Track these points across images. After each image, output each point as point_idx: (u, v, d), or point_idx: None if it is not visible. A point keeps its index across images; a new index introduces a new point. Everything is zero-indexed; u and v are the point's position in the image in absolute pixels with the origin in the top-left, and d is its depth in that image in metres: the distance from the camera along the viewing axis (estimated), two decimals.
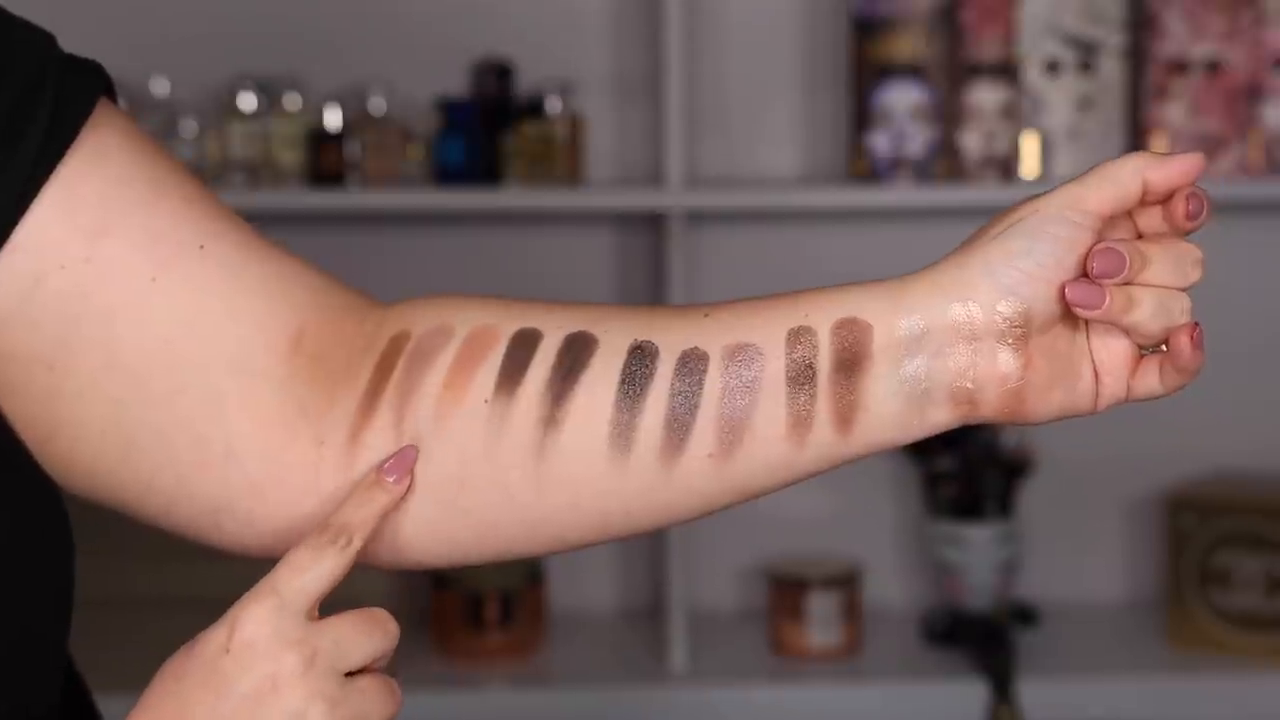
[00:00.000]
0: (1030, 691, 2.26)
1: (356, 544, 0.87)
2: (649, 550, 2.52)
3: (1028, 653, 2.37)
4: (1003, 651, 2.31)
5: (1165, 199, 0.86)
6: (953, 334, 0.85)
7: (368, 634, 0.86)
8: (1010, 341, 0.85)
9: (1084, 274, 0.85)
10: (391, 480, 0.89)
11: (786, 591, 2.41)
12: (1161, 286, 0.85)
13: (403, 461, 0.89)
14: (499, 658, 2.40)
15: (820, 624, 2.39)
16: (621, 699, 2.33)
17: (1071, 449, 2.49)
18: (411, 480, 0.89)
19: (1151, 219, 0.87)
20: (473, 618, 2.39)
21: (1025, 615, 2.46)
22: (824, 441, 0.87)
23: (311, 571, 0.85)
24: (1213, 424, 2.51)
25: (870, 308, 0.86)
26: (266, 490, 0.90)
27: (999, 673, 2.26)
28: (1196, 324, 0.86)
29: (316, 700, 0.83)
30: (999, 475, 2.43)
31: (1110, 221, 0.86)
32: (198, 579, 1.98)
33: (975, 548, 2.43)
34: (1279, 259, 2.54)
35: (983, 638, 2.37)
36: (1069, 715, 2.29)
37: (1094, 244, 0.85)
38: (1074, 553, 2.58)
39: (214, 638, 0.84)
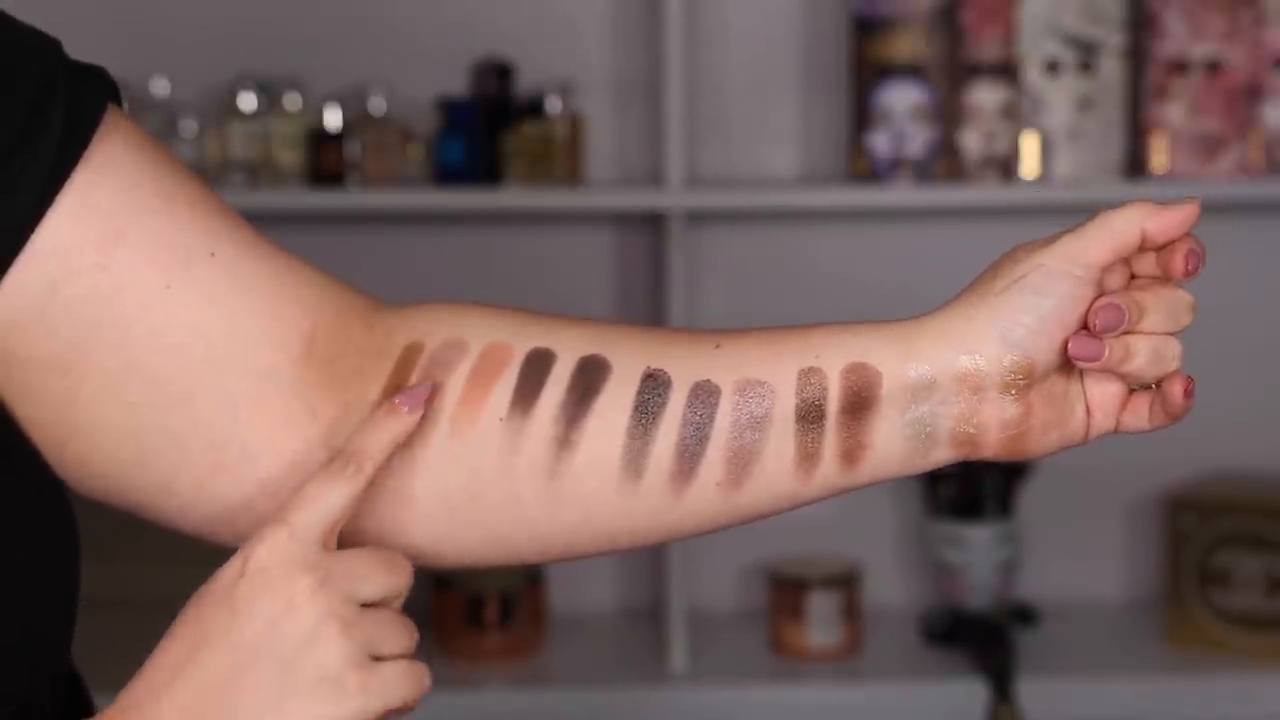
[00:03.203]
0: (1030, 691, 2.26)
1: (368, 470, 0.87)
2: (649, 551, 2.52)
3: (1027, 653, 2.37)
4: (1002, 651, 2.31)
5: (1162, 246, 0.89)
6: (959, 384, 0.88)
7: (382, 568, 0.86)
8: (1014, 391, 0.88)
9: (1084, 326, 0.88)
10: (405, 410, 0.89)
11: (786, 591, 2.41)
12: (1156, 334, 0.89)
13: (417, 394, 0.89)
14: (499, 658, 2.40)
15: (820, 624, 2.39)
16: (621, 699, 2.33)
17: (1071, 449, 2.48)
18: (425, 410, 0.89)
19: (1146, 263, 0.90)
20: (473, 618, 2.39)
21: (1025, 615, 2.46)
22: (829, 475, 0.91)
23: (323, 502, 0.86)
24: (1213, 424, 2.50)
25: (879, 352, 0.89)
26: (280, 491, 0.90)
27: (999, 672, 2.26)
28: (1191, 378, 0.90)
29: (330, 620, 0.84)
30: (999, 475, 2.43)
31: (1107, 268, 0.89)
32: (203, 582, 1.98)
33: (975, 548, 2.43)
34: (1279, 259, 2.55)
35: (982, 637, 2.37)
36: (1069, 715, 2.29)
37: (1095, 296, 0.87)
38: (1074, 553, 2.58)
39: (228, 569, 0.85)
